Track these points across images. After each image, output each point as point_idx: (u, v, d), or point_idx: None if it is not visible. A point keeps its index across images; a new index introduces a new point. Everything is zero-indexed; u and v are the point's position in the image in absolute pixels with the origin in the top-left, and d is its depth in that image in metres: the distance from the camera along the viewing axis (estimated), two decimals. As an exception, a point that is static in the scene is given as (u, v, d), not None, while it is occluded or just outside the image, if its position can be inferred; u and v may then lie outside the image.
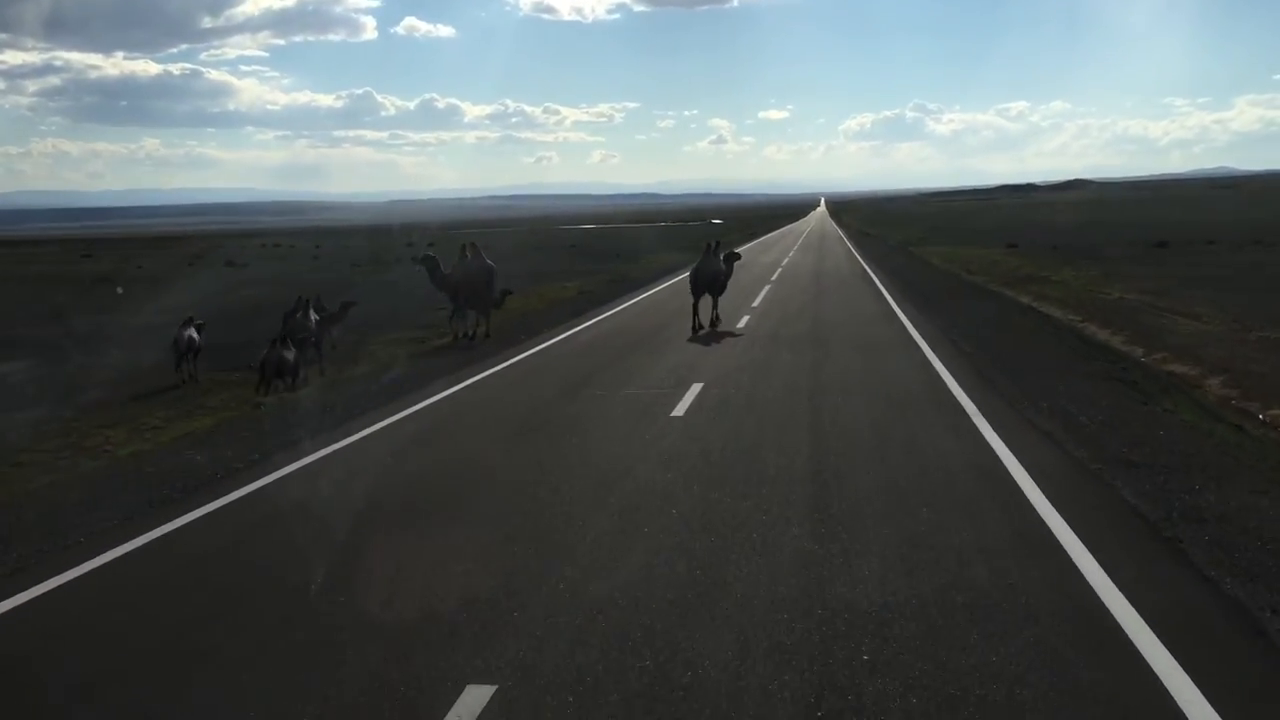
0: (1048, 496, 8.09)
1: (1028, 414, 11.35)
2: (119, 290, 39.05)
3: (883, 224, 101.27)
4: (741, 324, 21.06)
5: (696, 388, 13.71)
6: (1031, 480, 8.57)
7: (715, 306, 20.54)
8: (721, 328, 19.98)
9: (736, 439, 10.60)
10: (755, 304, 25.40)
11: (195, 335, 16.99)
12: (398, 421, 12.06)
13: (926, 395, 12.73)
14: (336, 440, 11.03)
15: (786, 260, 45.75)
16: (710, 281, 20.24)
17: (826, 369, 15.05)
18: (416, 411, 12.68)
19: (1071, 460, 9.31)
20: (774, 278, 34.62)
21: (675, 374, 15.00)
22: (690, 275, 20.99)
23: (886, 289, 29.02)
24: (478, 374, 15.67)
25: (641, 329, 21.11)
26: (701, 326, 19.62)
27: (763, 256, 50.21)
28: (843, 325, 20.28)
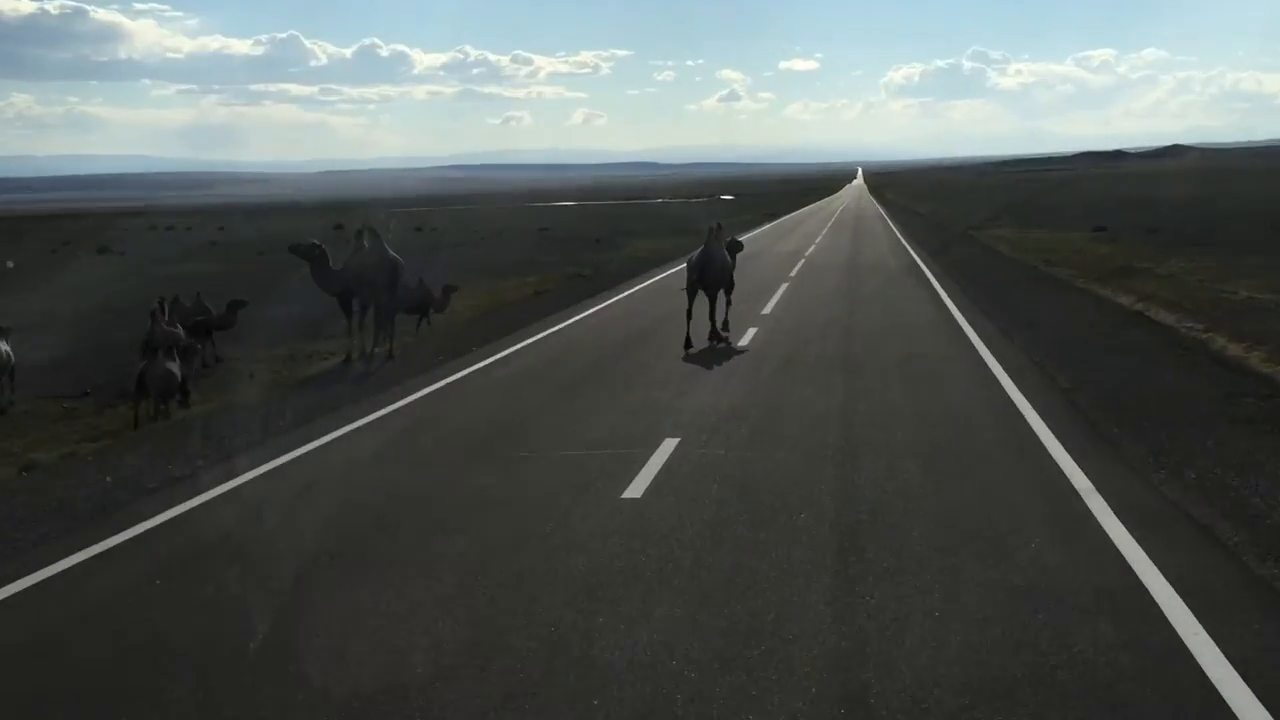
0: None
1: (1204, 515, 8.73)
2: None
3: (935, 201, 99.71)
4: (746, 340, 19.02)
5: (669, 445, 11.45)
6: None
7: (721, 312, 19.25)
8: (723, 344, 18.66)
9: (717, 547, 8.28)
10: (767, 310, 23.33)
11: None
12: (171, 523, 9.50)
13: (1021, 463, 10.42)
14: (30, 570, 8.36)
15: (812, 249, 43.78)
16: (717, 276, 18.94)
17: (863, 413, 12.84)
18: (220, 497, 10.27)
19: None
20: (794, 273, 32.57)
21: (642, 421, 12.77)
22: (688, 267, 19.53)
23: (944, 288, 27.00)
24: (356, 420, 13.40)
25: (608, 346, 19.05)
26: (690, 344, 18.27)
27: (781, 244, 48.30)
28: (886, 343, 18.21)
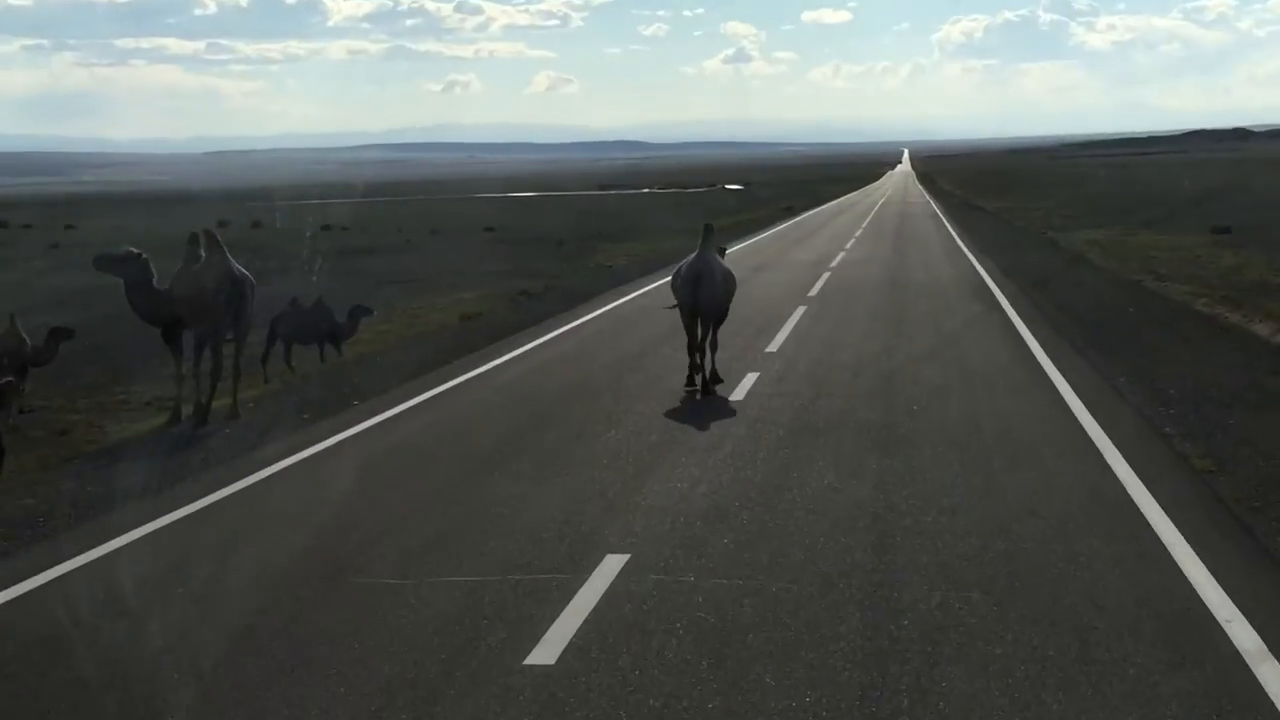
0: None
1: None
2: None
3: (1002, 194, 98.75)
4: (742, 391, 17.59)
5: (610, 567, 9.86)
6: None
7: (710, 345, 18.08)
8: (709, 392, 17.71)
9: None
10: (774, 345, 21.86)
11: None
12: None
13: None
14: None
15: (840, 258, 42.37)
16: (715, 296, 18.08)
17: (906, 511, 11.23)
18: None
19: None
20: (814, 292, 31.09)
21: (576, 524, 11.13)
22: (675, 282, 18.55)
23: (1020, 314, 25.55)
24: (125, 532, 11.66)
25: (544, 400, 17.58)
26: (695, 382, 17.81)
27: (799, 251, 46.93)
28: (942, 402, 16.73)
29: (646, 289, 33.65)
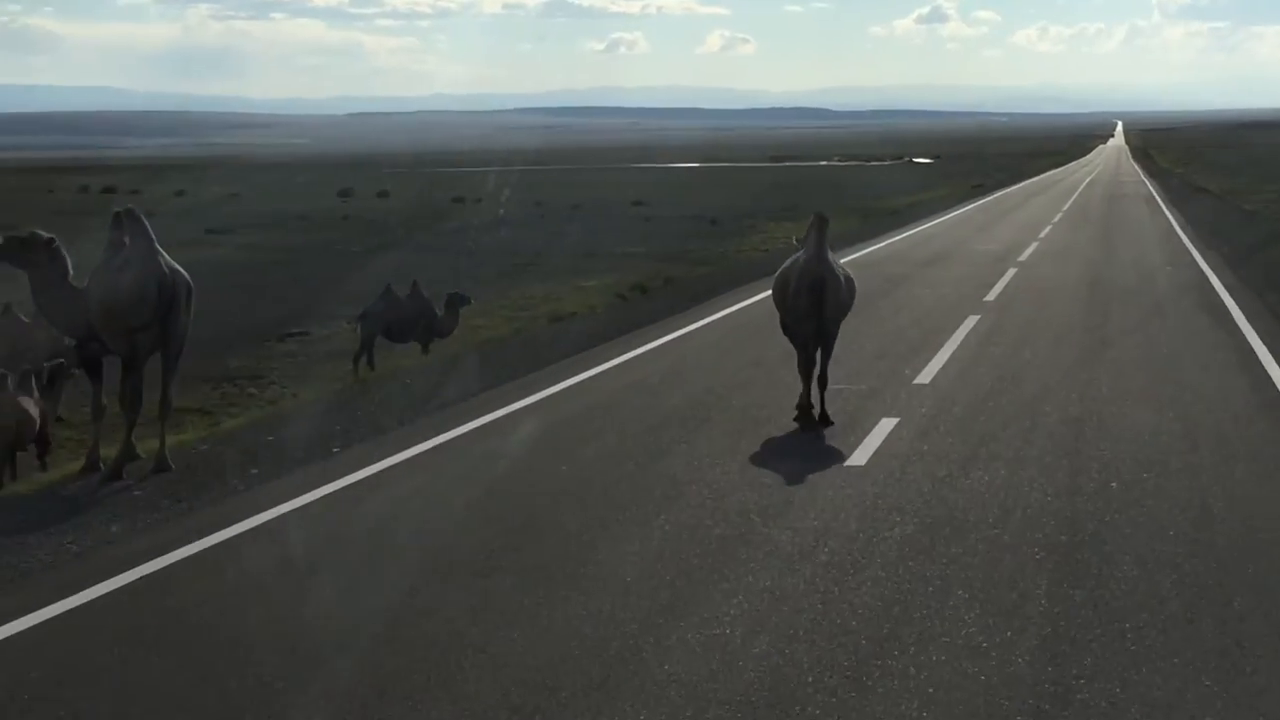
0: None
1: None
2: None
3: (1232, 174, 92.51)
4: (866, 447, 13.89)
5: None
6: None
7: (821, 375, 15.41)
8: (820, 438, 14.77)
9: None
10: (926, 375, 18.03)
11: None
12: None
13: None
14: None
15: (1032, 250, 38.07)
16: (836, 306, 15.58)
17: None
18: None
19: None
20: (993, 295, 27.06)
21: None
22: (779, 292, 16.03)
23: (1263, 339, 20.93)
24: None
25: (577, 462, 13.91)
26: (809, 406, 15.26)
27: (981, 241, 42.78)
28: (1154, 467, 12.91)
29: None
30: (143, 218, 14.18)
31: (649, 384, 18.06)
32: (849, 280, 15.82)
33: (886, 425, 14.73)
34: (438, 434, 14.87)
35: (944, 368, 18.54)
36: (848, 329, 19.53)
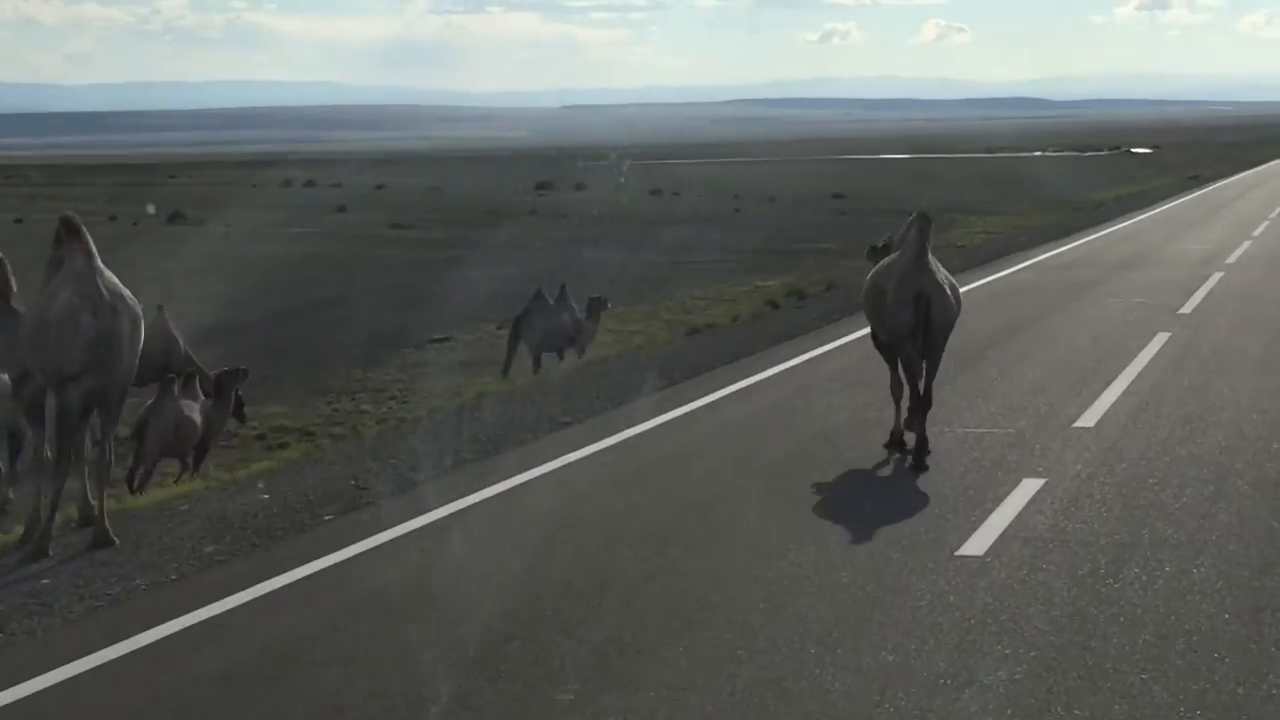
0: None
1: None
2: None
3: None
4: (993, 525, 10.82)
5: None
6: None
7: (925, 397, 13.33)
8: (928, 502, 11.83)
9: None
10: (1091, 417, 14.74)
11: None
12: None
13: None
14: None
15: (1240, 252, 33.84)
16: (944, 317, 13.58)
17: None
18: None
19: None
20: (1188, 308, 23.42)
21: None
22: (877, 296, 13.90)
23: None
24: None
25: (589, 551, 11.09)
26: (902, 435, 13.60)
27: (1186, 239, 38.76)
28: None
29: (986, 280, 28.20)
30: (82, 229, 11.28)
31: (748, 425, 15.22)
32: (954, 288, 13.86)
33: (1027, 489, 11.63)
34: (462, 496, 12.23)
35: (1115, 405, 15.23)
36: (1009, 353, 16.42)
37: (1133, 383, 16.51)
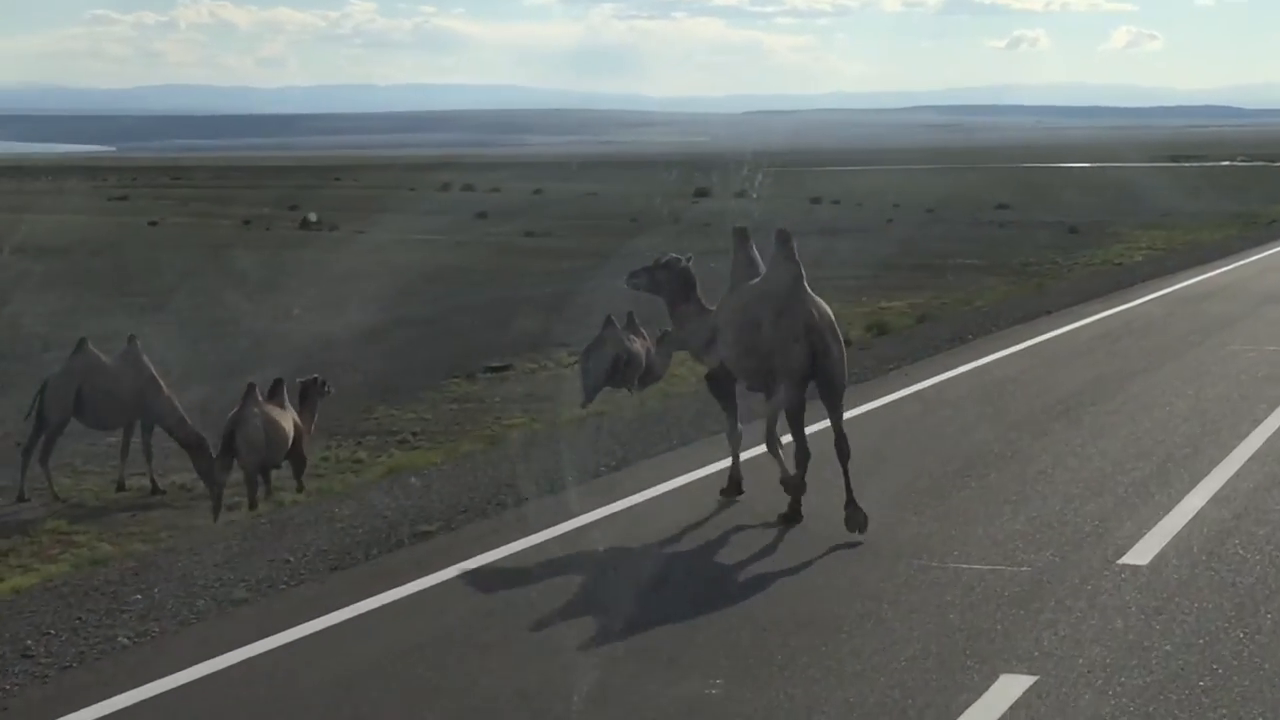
0: None
1: None
2: None
3: None
4: None
5: None
6: None
7: (842, 445, 11.40)
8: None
9: None
10: (1145, 551, 10.48)
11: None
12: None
13: None
14: None
15: None
16: (840, 351, 11.72)
17: None
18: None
19: None
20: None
21: None
22: (736, 326, 11.98)
23: None
24: None
25: None
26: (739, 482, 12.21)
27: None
28: None
29: (1102, 315, 24.60)
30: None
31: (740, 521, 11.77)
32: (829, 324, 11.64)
33: (1004, 694, 7.80)
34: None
35: (1190, 526, 10.98)
36: (1072, 429, 14.36)
37: (1225, 485, 12.25)
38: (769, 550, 10.82)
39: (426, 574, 10.27)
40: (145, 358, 15.37)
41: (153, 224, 55.28)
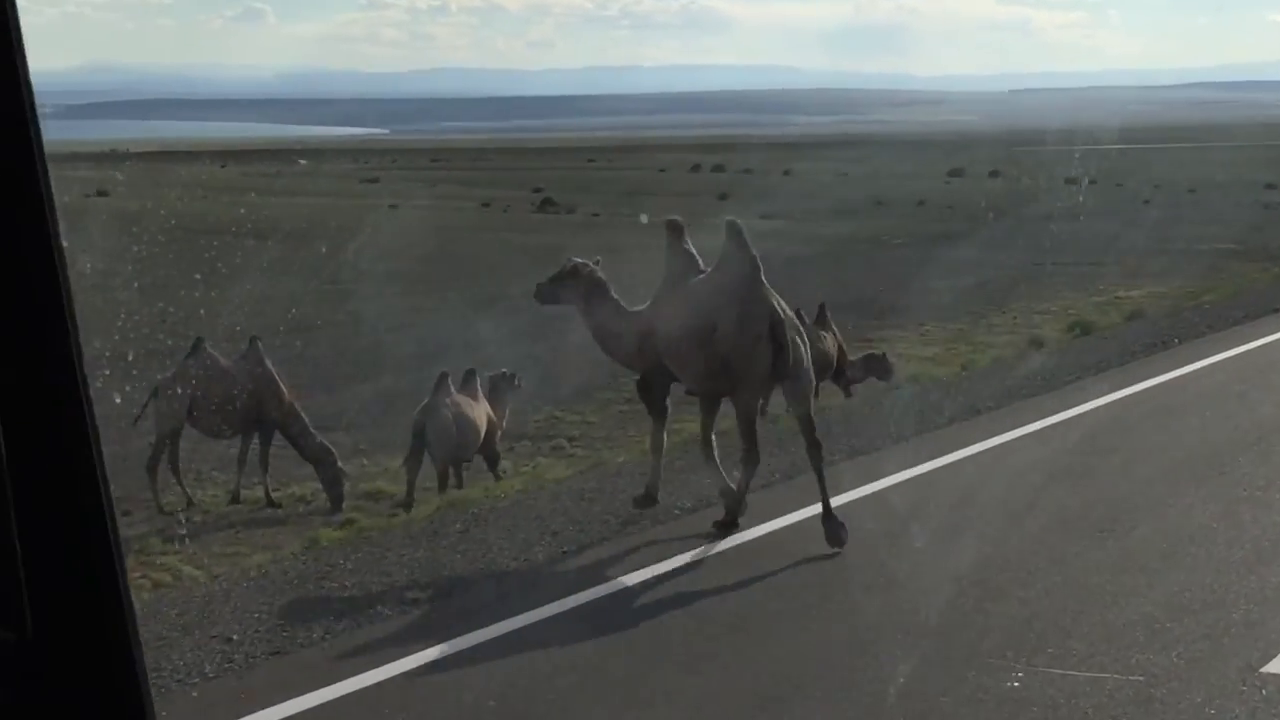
0: None
1: None
2: None
3: None
4: None
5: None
6: None
7: (811, 442, 10.69)
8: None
9: None
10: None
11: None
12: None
13: None
14: None
15: None
16: (786, 359, 10.74)
17: None
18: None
19: None
20: None
21: None
22: (689, 326, 11.03)
23: None
24: None
25: None
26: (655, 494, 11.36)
27: None
28: None
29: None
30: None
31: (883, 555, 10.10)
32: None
33: None
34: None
35: None
36: (1254, 468, 11.63)
37: None
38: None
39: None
40: (268, 360, 14.49)
41: (393, 207, 55.58)
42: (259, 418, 13.99)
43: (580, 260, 11.60)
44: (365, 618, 8.79)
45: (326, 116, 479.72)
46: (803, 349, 10.64)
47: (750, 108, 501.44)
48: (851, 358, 17.59)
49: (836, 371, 17.40)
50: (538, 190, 67.58)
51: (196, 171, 74.61)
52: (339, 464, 13.59)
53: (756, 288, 10.53)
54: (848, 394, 17.29)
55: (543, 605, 8.79)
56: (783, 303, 10.63)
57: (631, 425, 15.75)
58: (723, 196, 65.05)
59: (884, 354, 18.03)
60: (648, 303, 11.20)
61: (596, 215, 53.77)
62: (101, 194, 47.78)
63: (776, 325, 10.40)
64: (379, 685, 7.65)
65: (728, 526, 10.54)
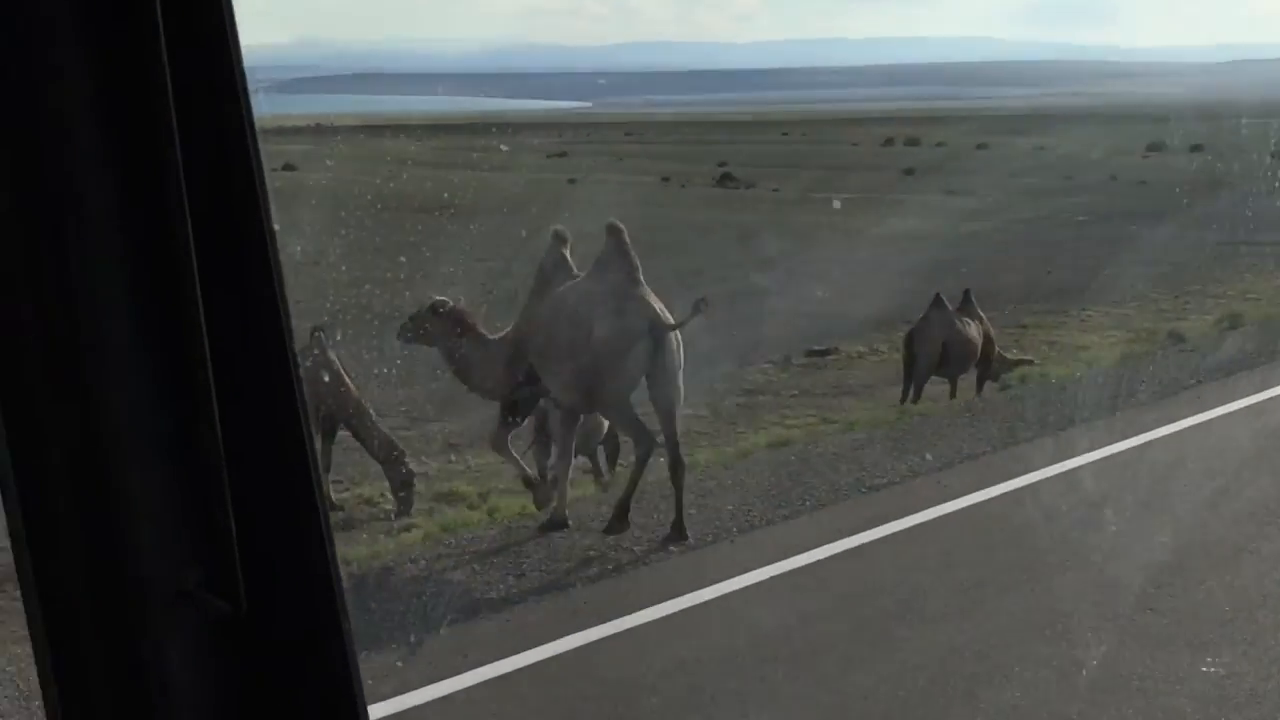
0: None
1: None
2: None
3: None
4: None
5: None
6: None
7: (674, 457, 10.83)
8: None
9: None
10: None
11: None
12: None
13: None
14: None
15: None
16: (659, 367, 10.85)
17: None
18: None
19: None
20: None
21: None
22: (601, 342, 10.79)
23: None
24: None
25: None
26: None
27: None
28: None
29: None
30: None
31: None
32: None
33: None
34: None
35: None
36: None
37: None
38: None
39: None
40: (333, 353, 13.48)
41: (571, 182, 55.40)
42: (327, 414, 13.14)
43: (439, 299, 11.47)
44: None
45: (531, 90, 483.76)
46: (679, 358, 10.44)
47: (959, 79, 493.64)
48: (1000, 349, 16.82)
49: (982, 359, 16.63)
50: (722, 164, 66.95)
51: (387, 147, 75.32)
52: (409, 466, 12.95)
53: (634, 291, 10.29)
54: (979, 389, 16.49)
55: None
56: (663, 308, 10.51)
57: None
58: (909, 171, 63.72)
59: (1033, 360, 17.44)
60: (509, 326, 11.13)
61: (776, 190, 52.99)
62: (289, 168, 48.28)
63: (656, 328, 10.13)
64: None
65: (615, 529, 10.30)
